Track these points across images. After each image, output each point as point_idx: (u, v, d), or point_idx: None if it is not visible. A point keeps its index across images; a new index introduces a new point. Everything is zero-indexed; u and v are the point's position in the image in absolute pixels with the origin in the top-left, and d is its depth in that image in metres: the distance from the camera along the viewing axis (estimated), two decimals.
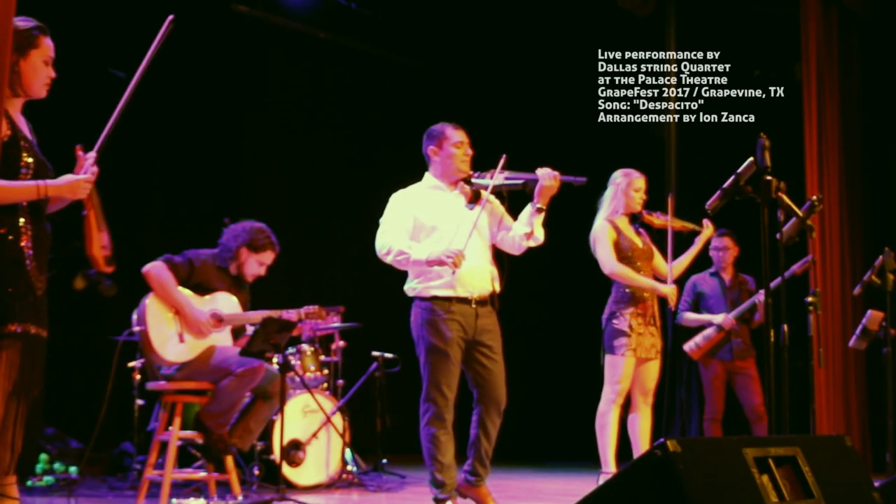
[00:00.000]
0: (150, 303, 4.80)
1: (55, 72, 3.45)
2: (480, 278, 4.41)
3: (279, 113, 8.86)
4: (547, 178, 4.34)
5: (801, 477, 2.75)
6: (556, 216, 4.74)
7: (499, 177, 4.40)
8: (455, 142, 4.48)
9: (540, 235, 4.46)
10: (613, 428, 5.17)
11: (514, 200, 4.55)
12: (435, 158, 4.52)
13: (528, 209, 4.45)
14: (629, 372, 5.17)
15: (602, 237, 5.23)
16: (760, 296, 6.10)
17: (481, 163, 4.61)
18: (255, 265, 5.09)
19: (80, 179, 3.41)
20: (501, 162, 4.41)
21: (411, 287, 4.45)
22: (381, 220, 4.50)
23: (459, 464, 4.50)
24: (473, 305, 4.37)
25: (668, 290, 5.23)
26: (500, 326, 4.51)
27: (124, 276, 4.94)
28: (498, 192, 4.47)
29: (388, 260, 4.39)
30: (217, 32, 8.09)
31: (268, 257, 5.12)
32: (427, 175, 4.59)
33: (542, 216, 4.42)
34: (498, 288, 4.50)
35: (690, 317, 6.36)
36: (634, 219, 5.39)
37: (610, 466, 5.16)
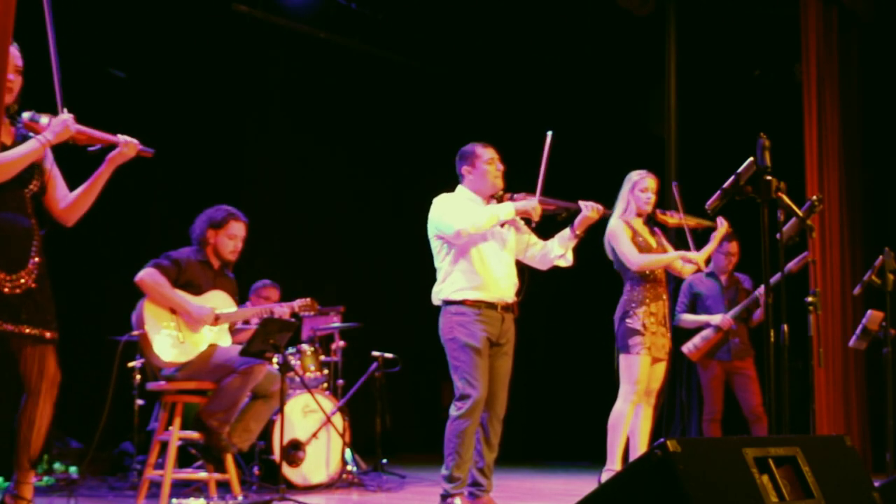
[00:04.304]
0: (148, 305, 4.79)
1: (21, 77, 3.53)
2: (508, 287, 4.63)
3: (279, 113, 8.87)
4: (590, 210, 4.68)
5: (801, 477, 2.75)
6: (553, 219, 4.80)
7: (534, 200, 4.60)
8: (487, 159, 4.67)
9: (570, 258, 4.83)
10: (627, 427, 5.16)
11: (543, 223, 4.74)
12: (469, 177, 4.70)
13: (566, 233, 4.76)
14: (646, 370, 5.15)
15: (620, 234, 5.23)
16: (761, 290, 6.09)
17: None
18: (227, 241, 5.05)
19: (65, 118, 3.52)
20: (539, 186, 4.63)
21: (439, 290, 4.60)
22: (441, 214, 4.56)
23: None
24: (499, 311, 4.56)
25: (697, 256, 5.26)
26: None
27: (125, 275, 4.97)
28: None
29: (469, 228, 4.46)
30: (217, 32, 8.10)
31: (235, 229, 5.07)
32: (462, 188, 4.73)
33: (576, 242, 4.75)
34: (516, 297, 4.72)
35: (688, 318, 6.34)
36: (649, 219, 5.39)
37: (616, 464, 5.15)
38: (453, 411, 4.46)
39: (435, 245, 4.65)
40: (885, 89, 8.06)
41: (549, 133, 4.64)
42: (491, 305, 4.54)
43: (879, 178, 8.23)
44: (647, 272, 5.23)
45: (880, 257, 5.11)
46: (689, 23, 8.33)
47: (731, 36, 8.50)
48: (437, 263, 4.65)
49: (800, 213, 3.83)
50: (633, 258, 5.19)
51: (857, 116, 7.83)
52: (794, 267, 5.81)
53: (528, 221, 4.70)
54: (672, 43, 8.25)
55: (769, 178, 3.56)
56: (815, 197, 4.21)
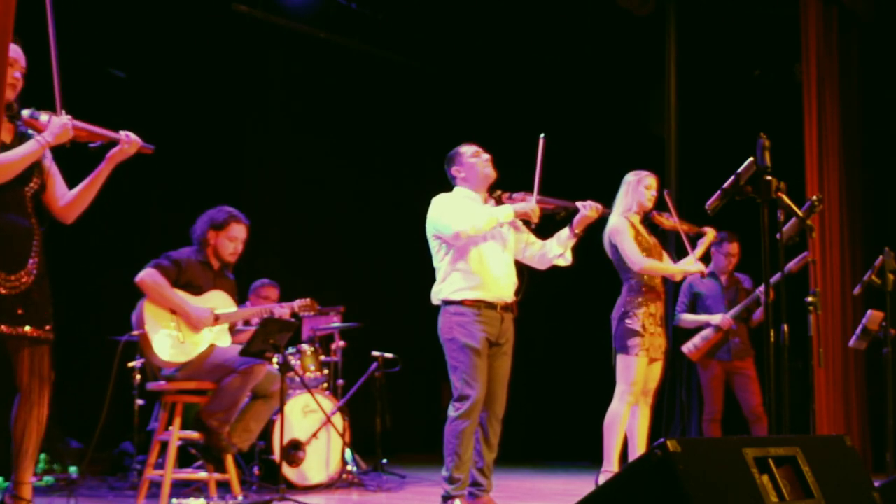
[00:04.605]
0: (148, 305, 4.79)
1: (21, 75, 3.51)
2: (507, 286, 4.63)
3: (279, 113, 8.87)
4: (589, 209, 4.71)
5: (801, 477, 2.75)
6: (551, 218, 4.80)
7: (531, 200, 4.61)
8: (471, 153, 4.70)
9: (569, 257, 4.84)
10: (623, 428, 5.17)
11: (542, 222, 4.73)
12: (461, 175, 4.71)
13: (565, 232, 4.76)
14: (643, 371, 5.16)
15: (624, 233, 5.22)
16: (761, 290, 6.09)
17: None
18: (227, 243, 5.05)
19: (64, 120, 3.51)
20: (536, 188, 4.64)
21: (438, 290, 4.60)
22: (440, 214, 4.56)
23: None
24: (499, 311, 4.56)
25: (694, 268, 5.31)
26: None
27: (125, 275, 4.97)
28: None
29: (469, 230, 4.46)
30: (217, 32, 8.09)
31: (236, 231, 5.06)
32: (458, 188, 4.73)
33: (575, 241, 4.77)
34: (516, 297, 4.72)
35: (688, 318, 6.35)
36: (645, 218, 5.39)
37: (613, 465, 5.15)
38: (452, 412, 4.46)
39: (434, 245, 4.66)
40: (885, 89, 8.06)
41: (542, 136, 4.65)
42: (490, 305, 4.54)
43: (879, 178, 8.22)
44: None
45: (880, 257, 5.11)
46: (689, 23, 8.34)
47: (731, 36, 8.50)
48: (435, 263, 4.65)
49: (800, 213, 3.83)
50: (636, 260, 5.19)
51: (857, 116, 7.83)
52: (794, 267, 5.81)
53: (527, 223, 4.71)
54: (672, 43, 8.25)
55: (769, 178, 3.55)
56: (815, 197, 4.21)
